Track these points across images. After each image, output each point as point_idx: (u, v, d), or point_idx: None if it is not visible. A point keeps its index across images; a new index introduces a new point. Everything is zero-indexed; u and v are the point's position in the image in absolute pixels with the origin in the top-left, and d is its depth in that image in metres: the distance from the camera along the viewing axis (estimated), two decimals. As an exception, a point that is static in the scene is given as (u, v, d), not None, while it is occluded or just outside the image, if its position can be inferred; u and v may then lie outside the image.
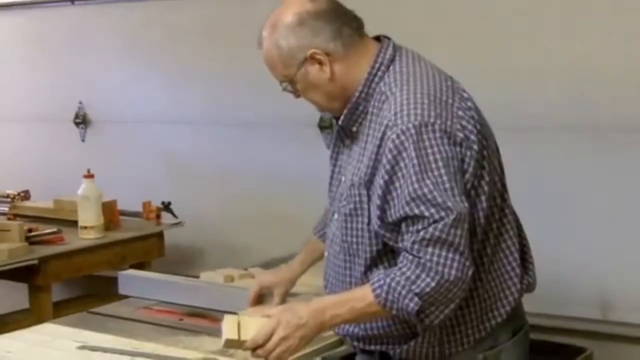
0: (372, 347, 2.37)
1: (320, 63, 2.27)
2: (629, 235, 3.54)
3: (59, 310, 3.95)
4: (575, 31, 3.59)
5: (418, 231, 2.10)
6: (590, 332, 3.58)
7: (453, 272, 2.09)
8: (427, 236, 2.09)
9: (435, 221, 2.09)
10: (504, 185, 2.33)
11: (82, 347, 2.62)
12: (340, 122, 2.35)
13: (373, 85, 2.28)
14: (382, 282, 2.14)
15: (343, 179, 2.36)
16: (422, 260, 2.10)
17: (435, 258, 2.09)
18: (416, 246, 2.11)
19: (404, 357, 2.32)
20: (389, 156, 2.15)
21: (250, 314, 2.43)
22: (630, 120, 3.49)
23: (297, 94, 2.36)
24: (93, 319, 2.98)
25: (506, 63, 3.71)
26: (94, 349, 2.60)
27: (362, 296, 2.18)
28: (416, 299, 2.10)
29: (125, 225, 4.39)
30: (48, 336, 2.76)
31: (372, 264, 2.27)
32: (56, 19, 5.15)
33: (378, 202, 2.18)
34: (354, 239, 2.28)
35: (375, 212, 2.20)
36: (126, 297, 3.18)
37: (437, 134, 2.13)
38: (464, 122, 2.18)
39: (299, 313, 2.20)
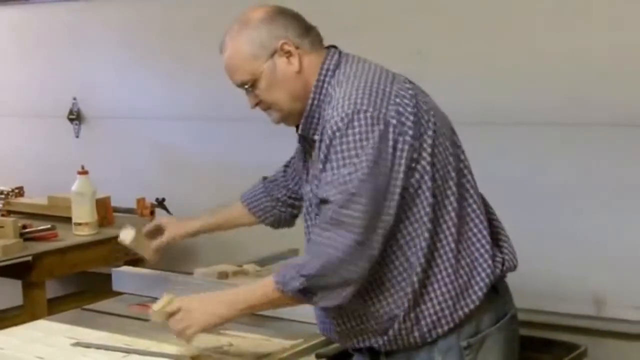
0: (360, 345, 2.39)
1: (289, 55, 2.34)
2: (623, 231, 3.55)
3: (53, 307, 3.95)
4: (566, 27, 3.60)
5: (324, 214, 2.20)
6: (585, 329, 3.59)
7: (340, 253, 2.16)
8: (326, 219, 2.18)
9: (335, 204, 2.17)
10: (464, 166, 2.36)
11: (76, 344, 2.62)
12: (299, 132, 2.41)
13: (323, 91, 2.34)
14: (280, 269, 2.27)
15: (308, 187, 2.41)
16: (313, 241, 2.21)
17: (325, 240, 2.18)
18: (316, 229, 2.22)
19: (388, 349, 2.35)
20: (323, 147, 2.23)
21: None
22: (625, 115, 3.50)
23: (256, 99, 2.42)
24: (87, 315, 2.98)
25: (499, 60, 3.72)
26: (88, 345, 2.60)
27: (266, 283, 2.29)
28: (302, 279, 2.19)
29: (119, 221, 4.38)
30: (42, 333, 2.76)
31: None
32: (50, 15, 5.15)
33: (316, 190, 2.27)
34: None
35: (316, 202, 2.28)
36: (120, 293, 3.18)
37: (368, 121, 2.19)
38: (400, 109, 2.23)
39: (213, 306, 2.37)
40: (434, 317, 2.29)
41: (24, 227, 4.07)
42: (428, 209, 2.25)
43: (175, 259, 4.53)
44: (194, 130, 4.69)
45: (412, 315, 2.29)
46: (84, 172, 4.14)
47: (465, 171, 2.36)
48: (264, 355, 2.53)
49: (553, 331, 3.50)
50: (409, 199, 2.23)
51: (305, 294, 2.21)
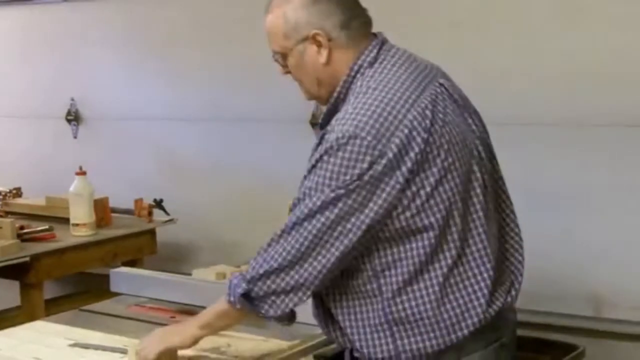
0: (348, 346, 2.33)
1: (320, 45, 2.26)
2: (622, 232, 3.55)
3: (51, 308, 3.94)
4: (566, 28, 3.60)
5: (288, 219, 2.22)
6: (583, 330, 3.59)
7: (280, 261, 2.19)
8: (284, 225, 2.22)
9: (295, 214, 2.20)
10: (477, 201, 2.23)
11: (74, 345, 2.62)
12: (320, 121, 2.37)
13: (352, 86, 2.26)
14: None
15: None
16: (265, 244, 2.26)
17: (273, 244, 2.23)
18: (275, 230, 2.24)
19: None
20: (316, 153, 2.20)
21: None
22: (625, 117, 3.50)
23: (285, 69, 2.35)
24: (85, 316, 2.98)
25: (498, 61, 3.72)
26: (85, 346, 2.60)
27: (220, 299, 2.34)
28: (244, 284, 2.23)
29: (117, 222, 4.38)
30: (40, 333, 2.75)
31: None
32: (48, 15, 5.14)
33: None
34: None
35: None
36: (118, 294, 3.18)
37: (362, 149, 2.11)
38: (405, 141, 2.12)
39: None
40: (416, 353, 2.20)
41: (22, 227, 4.07)
42: (421, 250, 2.16)
43: (173, 260, 4.54)
44: (192, 131, 4.68)
45: (390, 347, 2.21)
46: (81, 173, 4.13)
47: (478, 206, 2.23)
48: (262, 356, 2.52)
49: (551, 332, 3.50)
50: (396, 235, 2.16)
51: (250, 300, 2.23)
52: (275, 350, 2.57)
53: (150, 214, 4.42)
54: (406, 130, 2.13)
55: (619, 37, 3.50)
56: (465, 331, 2.20)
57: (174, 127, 4.74)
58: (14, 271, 3.90)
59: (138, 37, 4.80)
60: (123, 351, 2.52)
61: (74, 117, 5.09)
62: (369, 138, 2.11)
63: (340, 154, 2.12)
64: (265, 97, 4.30)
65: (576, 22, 3.59)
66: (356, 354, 2.29)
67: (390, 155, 2.11)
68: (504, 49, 3.72)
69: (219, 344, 2.60)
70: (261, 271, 2.21)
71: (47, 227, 4.13)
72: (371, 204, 2.13)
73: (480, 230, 2.23)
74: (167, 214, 4.47)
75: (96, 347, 2.58)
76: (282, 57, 2.32)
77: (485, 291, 2.22)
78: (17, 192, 4.82)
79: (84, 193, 4.11)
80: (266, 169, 4.42)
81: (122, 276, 3.23)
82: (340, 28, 2.26)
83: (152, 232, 4.44)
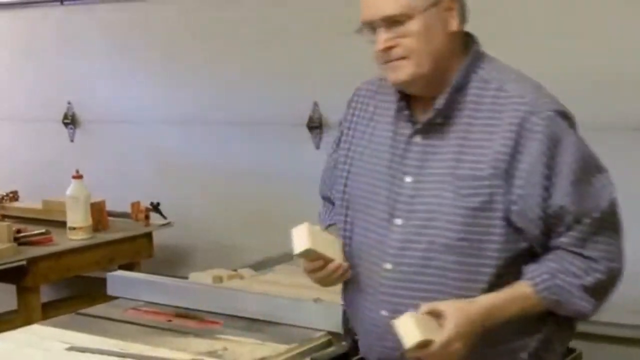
0: None
1: (451, 10, 2.14)
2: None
3: (48, 311, 3.94)
4: (568, 30, 3.60)
5: (584, 227, 2.15)
6: (580, 333, 3.57)
7: (620, 263, 2.24)
8: (595, 226, 2.18)
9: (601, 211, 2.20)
10: None
11: (71, 349, 2.61)
12: (437, 106, 2.15)
13: (470, 74, 2.18)
14: (547, 282, 2.13)
15: (409, 179, 2.16)
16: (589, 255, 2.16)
17: (602, 253, 2.19)
18: (582, 239, 2.17)
19: None
20: (548, 143, 2.12)
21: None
22: (625, 119, 3.50)
23: (391, 42, 2.12)
24: (82, 320, 2.97)
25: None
26: (82, 350, 2.60)
27: (526, 296, 2.13)
28: (594, 301, 2.20)
29: (114, 225, 4.38)
30: (36, 337, 2.75)
31: (505, 265, 2.12)
32: (45, 18, 5.14)
33: (540, 191, 2.10)
34: (481, 237, 2.10)
35: (534, 202, 2.10)
36: (115, 298, 3.17)
37: (572, 121, 2.22)
38: None
39: (475, 326, 2.06)
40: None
41: (19, 231, 4.07)
42: None
43: (170, 264, 4.54)
44: (189, 134, 4.68)
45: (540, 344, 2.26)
46: (78, 176, 4.13)
47: None
48: (258, 360, 2.52)
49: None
50: None
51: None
52: (273, 354, 2.56)
53: (147, 217, 4.42)
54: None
55: (622, 40, 3.50)
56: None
57: (171, 130, 4.74)
58: (11, 275, 3.90)
59: (136, 40, 4.80)
60: (120, 354, 2.52)
61: (70, 121, 5.09)
62: (563, 109, 2.22)
63: (571, 132, 2.19)
64: (263, 100, 4.30)
65: (576, 25, 3.59)
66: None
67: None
68: (503, 51, 3.71)
69: (215, 347, 2.59)
70: (609, 285, 2.24)
71: (43, 230, 4.13)
72: None
73: None
74: (164, 217, 4.47)
75: (93, 351, 2.58)
76: (400, 22, 2.10)
77: None
78: (14, 196, 4.82)
79: (80, 196, 4.10)
80: (263, 172, 4.41)
81: (119, 280, 3.23)
82: (463, 6, 2.20)
83: (149, 236, 4.44)
